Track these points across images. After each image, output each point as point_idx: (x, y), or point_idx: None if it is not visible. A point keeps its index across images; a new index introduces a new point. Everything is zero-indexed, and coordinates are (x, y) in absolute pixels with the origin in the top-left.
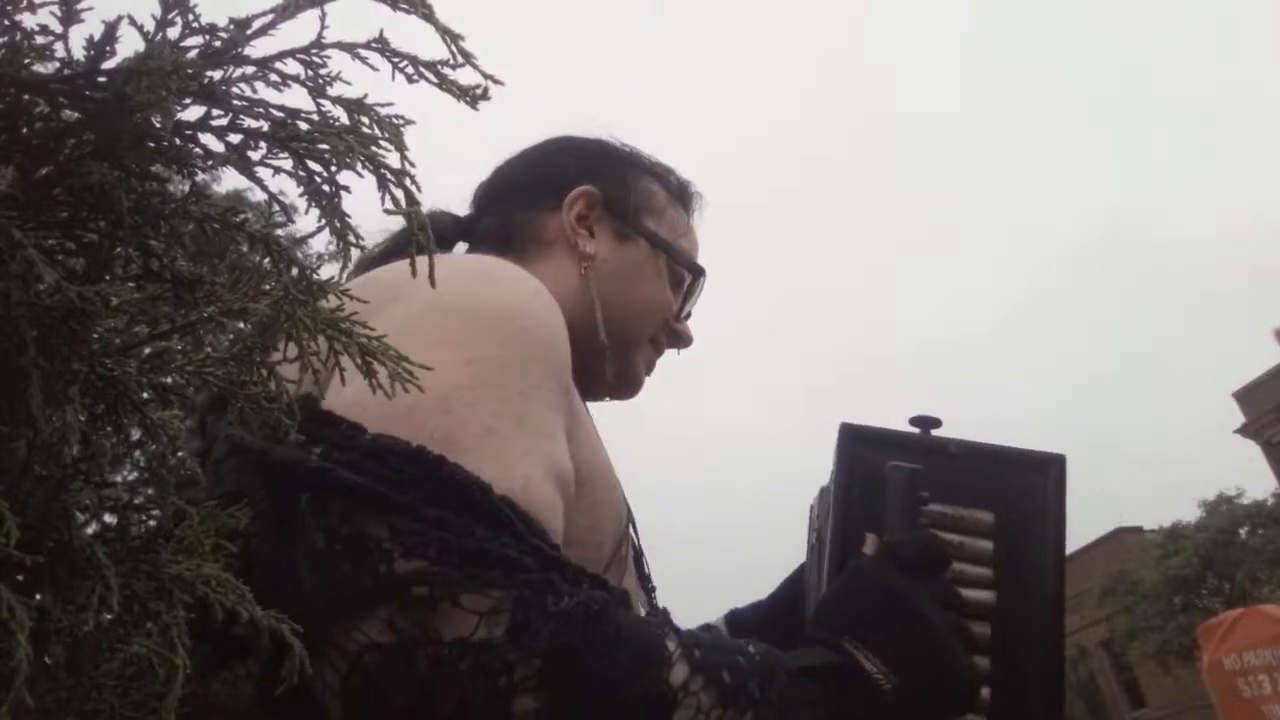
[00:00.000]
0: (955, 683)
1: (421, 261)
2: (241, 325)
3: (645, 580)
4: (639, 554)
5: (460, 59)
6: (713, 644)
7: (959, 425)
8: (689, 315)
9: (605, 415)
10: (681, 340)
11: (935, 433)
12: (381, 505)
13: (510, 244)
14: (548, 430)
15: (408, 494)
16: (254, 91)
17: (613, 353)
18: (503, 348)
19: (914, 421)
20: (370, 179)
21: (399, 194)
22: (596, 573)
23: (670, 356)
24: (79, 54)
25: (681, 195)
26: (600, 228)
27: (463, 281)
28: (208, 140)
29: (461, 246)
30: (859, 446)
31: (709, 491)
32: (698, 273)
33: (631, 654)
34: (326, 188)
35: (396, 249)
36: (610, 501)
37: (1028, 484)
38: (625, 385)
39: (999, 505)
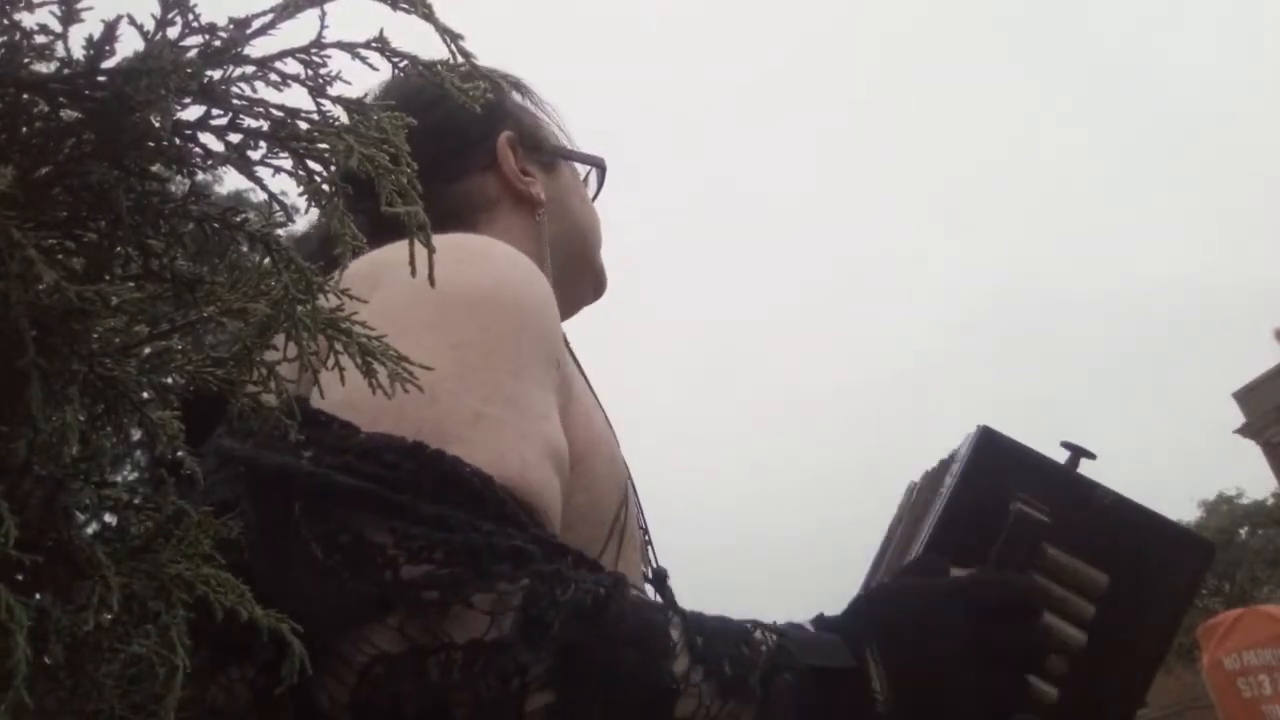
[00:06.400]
0: None
1: (403, 249)
2: (239, 325)
3: (644, 534)
4: (640, 515)
5: (460, 59)
6: (716, 630)
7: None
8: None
9: None
10: None
11: (1084, 467)
12: (380, 508)
13: (457, 220)
14: (540, 410)
15: (406, 493)
16: (254, 91)
17: (588, 272)
18: (486, 329)
19: (1066, 446)
20: None
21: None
22: (598, 548)
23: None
24: (78, 53)
25: (526, 92)
26: (530, 167)
27: (440, 265)
28: (207, 140)
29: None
30: (994, 456)
31: None
32: (602, 166)
33: (638, 646)
34: (326, 187)
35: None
36: (610, 474)
37: (1164, 560)
38: (600, 289)
39: (1122, 571)
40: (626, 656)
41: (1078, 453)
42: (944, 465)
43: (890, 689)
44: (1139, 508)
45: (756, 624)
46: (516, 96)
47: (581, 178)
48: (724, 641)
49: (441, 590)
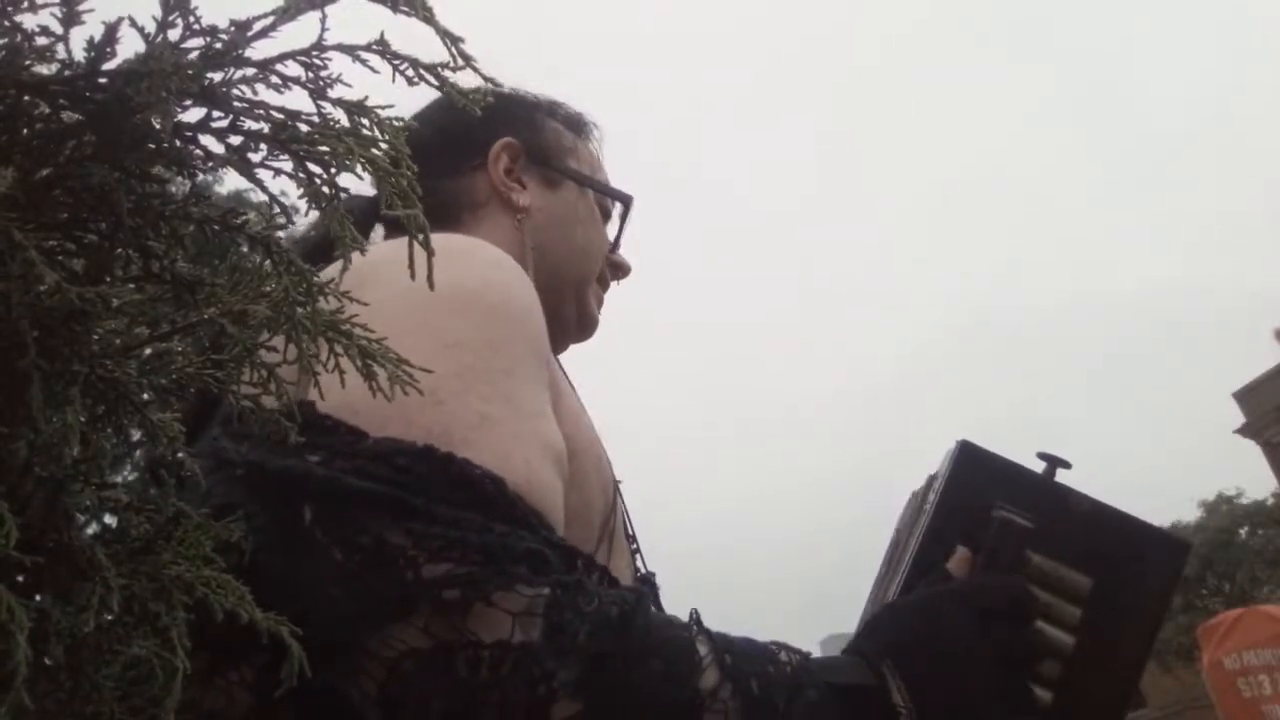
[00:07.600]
0: None
1: (387, 249)
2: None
3: (631, 540)
4: (626, 519)
5: (461, 62)
6: (744, 650)
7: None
8: (620, 245)
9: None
10: (621, 270)
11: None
12: (396, 511)
13: (444, 215)
14: (537, 409)
15: (420, 496)
16: (254, 93)
17: (569, 297)
18: (477, 329)
19: (1042, 457)
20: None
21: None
22: (589, 550)
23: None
24: (79, 55)
25: (580, 128)
26: (528, 177)
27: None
28: (208, 142)
29: (379, 231)
30: (973, 469)
31: None
32: (627, 201)
33: (664, 659)
34: (327, 189)
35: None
36: (598, 473)
37: (1142, 561)
38: (585, 326)
39: (1102, 572)
40: (652, 669)
41: (1054, 462)
42: (929, 481)
43: (911, 701)
44: (1115, 511)
45: (781, 645)
46: (559, 124)
47: (611, 216)
48: (751, 660)
49: (462, 589)
